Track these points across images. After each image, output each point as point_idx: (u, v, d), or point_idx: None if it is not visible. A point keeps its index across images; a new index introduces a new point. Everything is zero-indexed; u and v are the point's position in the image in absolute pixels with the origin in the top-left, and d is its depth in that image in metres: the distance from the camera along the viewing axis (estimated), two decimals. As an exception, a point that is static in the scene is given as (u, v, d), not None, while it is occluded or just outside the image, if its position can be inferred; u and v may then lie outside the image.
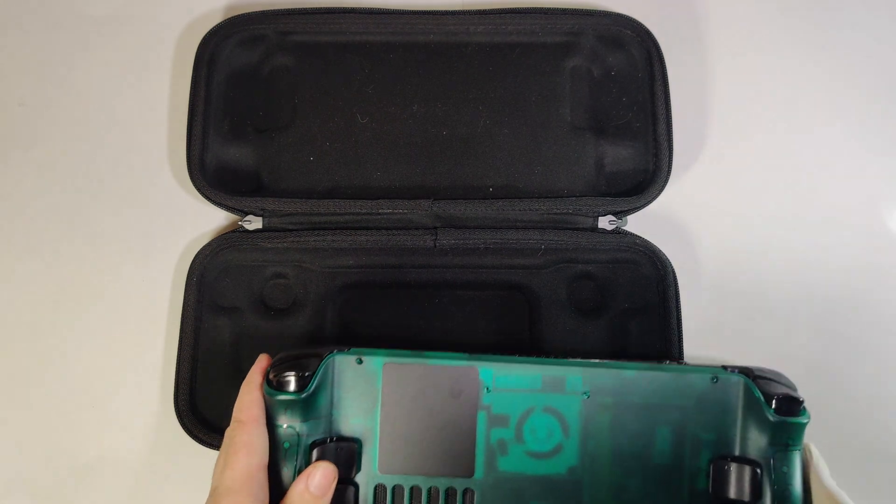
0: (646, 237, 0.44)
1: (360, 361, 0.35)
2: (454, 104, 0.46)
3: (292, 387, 0.34)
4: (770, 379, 0.35)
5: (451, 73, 0.46)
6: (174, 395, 0.42)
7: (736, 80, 0.49)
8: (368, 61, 0.46)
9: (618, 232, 0.44)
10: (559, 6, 0.47)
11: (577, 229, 0.44)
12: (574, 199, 0.43)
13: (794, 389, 0.35)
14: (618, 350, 0.43)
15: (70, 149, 0.47)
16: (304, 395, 0.34)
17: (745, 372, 0.35)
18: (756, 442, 0.35)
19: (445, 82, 0.46)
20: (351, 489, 0.35)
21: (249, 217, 0.44)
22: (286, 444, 0.34)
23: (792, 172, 0.47)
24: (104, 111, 0.48)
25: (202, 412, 0.42)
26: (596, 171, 0.45)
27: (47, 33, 0.49)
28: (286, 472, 0.34)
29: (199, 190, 0.43)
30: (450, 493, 0.35)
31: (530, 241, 0.44)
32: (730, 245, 0.46)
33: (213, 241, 0.44)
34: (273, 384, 0.34)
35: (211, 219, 0.46)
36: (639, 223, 0.44)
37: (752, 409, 0.35)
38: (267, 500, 0.32)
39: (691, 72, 0.48)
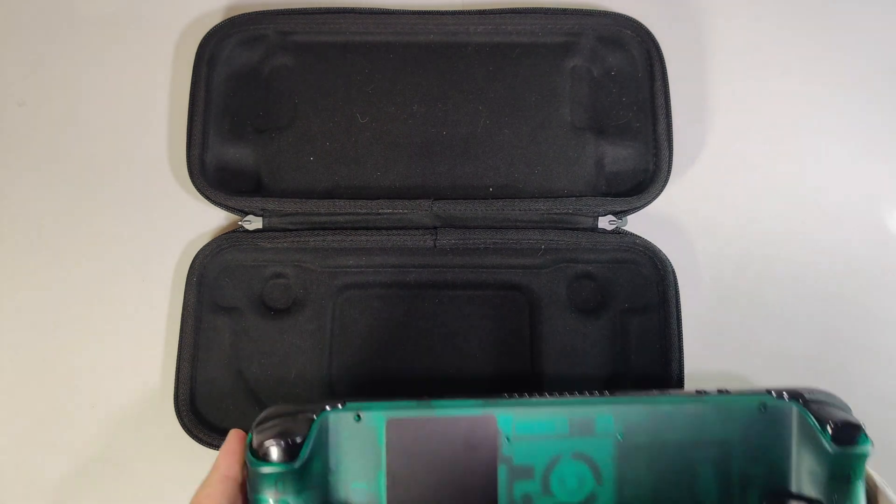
0: (646, 237, 0.44)
1: (359, 418, 0.31)
2: (454, 104, 0.46)
3: (281, 456, 0.29)
4: (823, 402, 0.32)
5: (451, 73, 0.46)
6: (174, 395, 0.42)
7: (736, 79, 0.49)
8: (368, 61, 0.46)
9: (618, 232, 0.44)
10: (559, 6, 0.47)
11: (577, 229, 0.44)
12: (574, 199, 0.43)
13: (849, 411, 0.32)
14: (619, 351, 0.43)
15: (70, 149, 0.47)
16: (296, 465, 0.29)
17: (796, 396, 0.32)
18: (813, 476, 0.31)
19: (445, 82, 0.46)
20: None
21: (249, 217, 0.44)
22: None
23: (792, 172, 0.47)
24: (104, 111, 0.48)
25: (202, 412, 0.42)
26: (596, 170, 0.45)
27: (47, 33, 0.49)
28: None
29: (199, 190, 0.43)
30: None
31: (530, 241, 0.44)
32: (730, 245, 0.46)
33: (213, 241, 0.44)
34: (258, 454, 0.29)
35: (211, 219, 0.46)
36: (639, 223, 0.44)
37: (807, 438, 0.31)
38: None
39: (691, 71, 0.48)
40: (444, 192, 0.44)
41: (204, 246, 0.44)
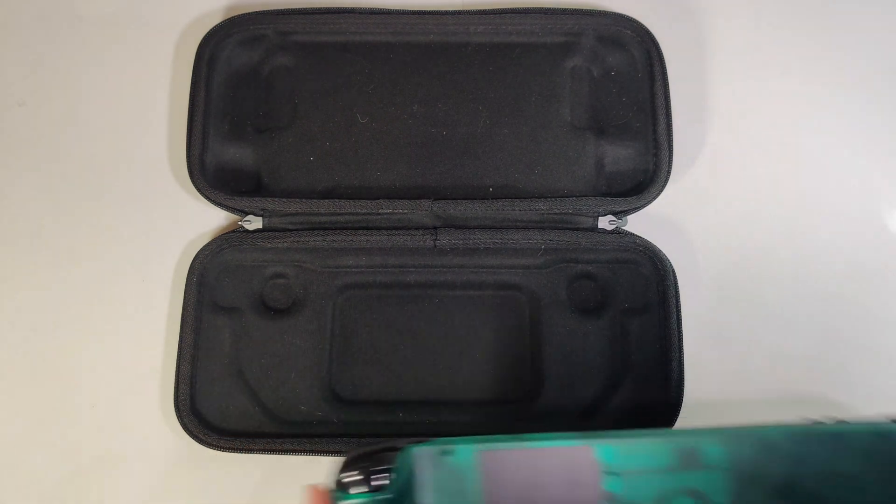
0: (646, 237, 0.44)
1: (447, 453, 0.28)
2: (454, 104, 0.46)
3: (369, 485, 0.27)
4: None
5: (451, 72, 0.46)
6: (174, 395, 0.42)
7: (736, 79, 0.49)
8: (369, 61, 0.46)
9: (618, 232, 0.44)
10: (559, 6, 0.47)
11: (578, 229, 0.44)
12: (574, 199, 0.43)
13: None
14: (619, 351, 0.43)
15: (70, 149, 0.47)
16: (386, 495, 0.27)
17: None
18: None
19: (445, 82, 0.46)
20: None
21: (249, 217, 0.44)
22: None
23: (792, 172, 0.47)
24: (104, 111, 0.48)
25: (202, 412, 0.42)
26: (596, 171, 0.45)
27: (47, 33, 0.49)
28: None
29: (199, 190, 0.43)
30: None
31: (530, 241, 0.44)
32: (730, 245, 0.46)
33: (213, 241, 0.44)
34: (344, 486, 0.28)
35: (211, 219, 0.46)
36: (639, 223, 0.44)
37: None
38: None
39: (691, 71, 0.48)
40: (444, 192, 0.44)
41: (204, 246, 0.44)
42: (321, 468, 0.43)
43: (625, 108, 0.46)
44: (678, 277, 0.43)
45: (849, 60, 0.49)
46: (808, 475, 0.28)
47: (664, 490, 0.28)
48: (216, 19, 0.47)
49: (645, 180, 0.44)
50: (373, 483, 0.27)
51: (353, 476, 0.28)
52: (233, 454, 0.41)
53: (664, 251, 0.44)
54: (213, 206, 0.44)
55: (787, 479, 0.28)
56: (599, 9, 0.47)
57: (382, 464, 0.28)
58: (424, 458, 0.27)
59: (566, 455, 0.28)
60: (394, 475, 0.28)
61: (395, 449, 0.28)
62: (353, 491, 0.27)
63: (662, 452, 0.28)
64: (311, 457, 0.42)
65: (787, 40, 0.49)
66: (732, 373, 0.45)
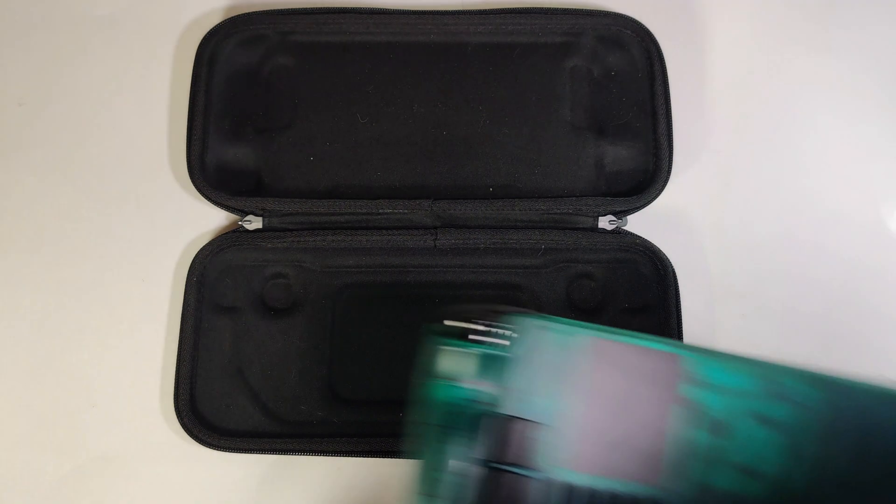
0: (646, 237, 0.44)
1: (560, 332, 0.29)
2: (454, 104, 0.46)
3: (479, 336, 0.28)
4: None
5: (451, 73, 0.46)
6: (174, 395, 0.42)
7: (736, 79, 0.49)
8: (369, 61, 0.46)
9: (617, 232, 0.44)
10: (559, 6, 0.47)
11: (577, 229, 0.44)
12: (574, 199, 0.43)
13: None
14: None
15: (70, 149, 0.47)
16: (493, 351, 0.28)
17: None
18: None
19: (446, 82, 0.46)
20: (525, 481, 0.28)
21: (249, 217, 0.44)
22: (457, 404, 0.27)
23: (793, 172, 0.47)
24: (104, 111, 0.48)
25: (202, 412, 0.42)
26: (596, 171, 0.45)
27: (47, 33, 0.49)
28: (442, 445, 0.27)
29: (199, 190, 0.43)
30: None
31: (530, 241, 0.44)
32: (730, 245, 0.46)
33: (213, 241, 0.44)
34: (454, 334, 0.28)
35: (211, 219, 0.46)
36: (639, 223, 0.44)
37: None
38: None
39: (692, 71, 0.48)
40: (444, 193, 0.44)
41: (204, 246, 0.44)
42: (321, 468, 0.43)
43: (625, 108, 0.46)
44: (678, 277, 0.43)
45: (850, 60, 0.49)
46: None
47: (743, 409, 0.28)
48: (216, 19, 0.47)
49: (645, 180, 0.44)
50: (493, 339, 0.27)
51: (469, 323, 0.27)
52: (233, 454, 0.42)
53: (664, 251, 0.44)
54: (213, 206, 0.44)
55: (879, 433, 0.27)
56: (599, 9, 0.47)
57: (499, 320, 0.28)
58: (537, 330, 0.28)
59: (656, 357, 0.29)
60: (516, 336, 0.28)
61: (512, 313, 0.28)
62: (461, 339, 0.27)
63: (750, 378, 0.28)
64: (311, 457, 0.42)
65: (788, 39, 0.49)
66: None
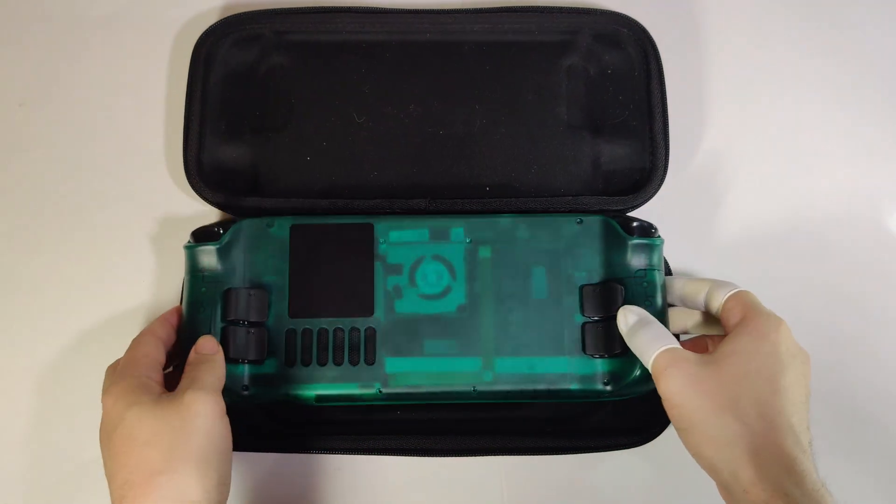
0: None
1: (271, 225, 0.41)
2: (451, 103, 0.46)
3: (209, 238, 0.40)
4: (628, 216, 0.41)
5: (447, 71, 0.46)
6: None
7: (732, 78, 0.48)
8: (365, 60, 0.46)
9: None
10: (556, 5, 0.46)
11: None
12: (570, 198, 0.43)
13: (653, 225, 0.41)
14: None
15: (69, 149, 0.47)
16: (218, 245, 0.40)
17: (604, 212, 0.42)
18: (620, 267, 0.40)
19: (442, 81, 0.46)
20: (264, 331, 0.40)
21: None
22: (203, 289, 0.40)
23: (789, 170, 0.47)
24: (102, 113, 0.48)
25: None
26: (592, 169, 0.45)
27: (47, 35, 0.49)
28: (202, 315, 0.39)
29: (196, 191, 0.43)
30: (353, 332, 0.40)
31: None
32: (726, 243, 0.46)
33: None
34: (193, 239, 0.40)
35: (209, 219, 0.46)
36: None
37: (614, 240, 0.40)
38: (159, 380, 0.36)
39: (688, 70, 0.48)
40: (440, 192, 0.44)
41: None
42: (321, 465, 0.43)
43: (621, 106, 0.46)
44: (674, 274, 0.43)
45: (847, 59, 0.49)
46: (523, 249, 0.41)
47: (419, 255, 0.41)
48: (213, 19, 0.47)
49: (641, 179, 0.44)
50: (212, 236, 0.40)
51: (199, 231, 0.40)
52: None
53: (661, 250, 0.43)
54: (210, 206, 0.44)
55: (507, 251, 0.41)
56: (596, 7, 0.46)
57: (223, 227, 0.40)
58: (255, 227, 0.41)
59: (355, 228, 0.41)
60: (229, 232, 0.40)
61: (234, 220, 0.41)
62: (199, 241, 0.40)
63: (422, 231, 0.41)
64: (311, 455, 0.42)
65: (785, 38, 0.49)
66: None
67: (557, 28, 0.46)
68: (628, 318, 0.38)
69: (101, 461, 0.34)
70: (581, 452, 0.41)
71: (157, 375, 0.36)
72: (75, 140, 0.47)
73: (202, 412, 0.34)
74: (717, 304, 0.37)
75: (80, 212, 0.46)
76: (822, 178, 0.47)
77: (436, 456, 0.41)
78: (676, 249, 0.44)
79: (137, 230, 0.46)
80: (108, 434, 0.33)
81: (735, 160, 0.47)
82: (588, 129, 0.45)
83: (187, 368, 0.36)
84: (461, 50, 0.46)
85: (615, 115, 0.45)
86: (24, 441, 0.44)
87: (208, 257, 0.40)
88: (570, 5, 0.47)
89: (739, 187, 0.47)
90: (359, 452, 0.41)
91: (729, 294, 0.37)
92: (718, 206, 0.47)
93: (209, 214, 0.46)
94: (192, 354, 0.37)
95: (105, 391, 0.35)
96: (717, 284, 0.37)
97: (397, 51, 0.46)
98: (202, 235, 0.40)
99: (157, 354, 0.37)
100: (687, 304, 0.39)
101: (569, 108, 0.46)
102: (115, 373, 0.36)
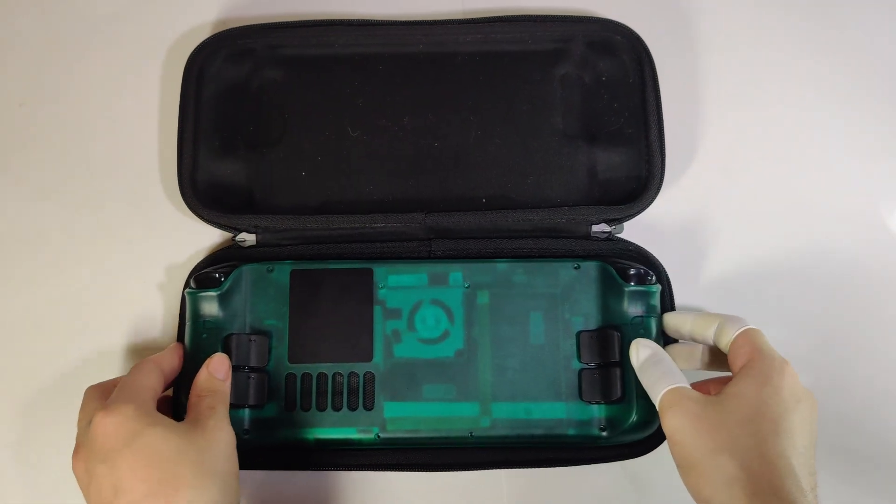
0: (641, 244, 0.44)
1: (271, 270, 0.41)
2: (445, 115, 0.45)
3: (210, 284, 0.40)
4: (626, 262, 0.42)
5: (441, 83, 0.46)
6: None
7: (728, 83, 0.48)
8: (358, 73, 0.46)
9: (610, 239, 0.44)
10: (549, 13, 0.46)
11: (571, 237, 0.44)
12: (567, 208, 0.43)
13: (650, 272, 0.41)
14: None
15: (69, 150, 0.47)
16: (219, 292, 0.40)
17: (601, 257, 0.42)
18: (616, 313, 0.40)
19: (436, 93, 0.46)
20: (264, 376, 0.40)
21: (243, 234, 0.44)
22: (204, 335, 0.40)
23: (787, 174, 0.47)
24: (101, 119, 0.47)
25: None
26: (589, 178, 0.45)
27: (45, 37, 0.49)
28: (203, 360, 0.38)
29: (191, 209, 0.43)
30: (352, 376, 0.40)
31: (524, 250, 0.43)
32: (725, 249, 0.46)
33: (206, 258, 0.44)
34: (194, 286, 0.41)
35: (204, 236, 0.46)
36: (631, 229, 0.44)
37: (610, 286, 0.41)
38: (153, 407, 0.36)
39: (683, 77, 0.48)
40: (436, 205, 0.44)
41: (198, 263, 0.43)
42: (319, 482, 0.43)
43: (616, 114, 0.45)
44: (673, 282, 0.43)
45: (844, 63, 0.49)
46: (520, 293, 0.41)
47: (418, 299, 0.41)
48: (204, 34, 0.47)
49: (638, 187, 0.44)
50: (212, 283, 0.40)
51: (202, 277, 0.41)
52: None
53: (659, 257, 0.44)
54: (205, 224, 0.44)
55: (504, 296, 0.41)
56: (589, 15, 0.46)
57: (223, 273, 0.41)
58: (255, 273, 0.41)
59: (353, 273, 0.41)
60: (230, 279, 0.40)
61: (235, 266, 0.41)
62: (199, 288, 0.40)
63: (420, 276, 0.42)
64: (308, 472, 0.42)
65: (780, 43, 0.49)
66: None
67: (550, 37, 0.46)
68: (640, 353, 0.38)
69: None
70: (581, 464, 0.41)
71: (155, 405, 0.36)
72: (75, 141, 0.47)
73: (223, 439, 0.35)
74: (725, 340, 0.37)
75: (75, 234, 0.46)
76: (820, 181, 0.47)
77: (436, 471, 0.41)
78: (673, 256, 0.44)
79: (132, 248, 0.46)
80: (112, 450, 0.33)
81: (732, 166, 0.47)
82: (583, 138, 0.45)
83: (201, 394, 0.37)
84: (454, 61, 0.46)
85: (610, 122, 0.45)
86: (23, 441, 0.43)
87: (209, 304, 0.40)
88: (562, 14, 0.46)
89: (736, 192, 0.47)
90: (360, 469, 0.41)
91: (738, 332, 0.37)
92: (715, 211, 0.47)
93: (205, 232, 0.46)
94: (203, 373, 0.38)
95: (105, 410, 0.34)
96: (727, 320, 0.38)
97: (390, 63, 0.46)
98: (203, 281, 0.40)
99: (158, 387, 0.37)
100: (696, 338, 0.39)
101: (564, 116, 0.46)
102: (119, 393, 0.36)
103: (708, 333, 0.38)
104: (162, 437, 0.34)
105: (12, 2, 0.49)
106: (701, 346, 0.40)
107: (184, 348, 0.40)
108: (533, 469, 0.42)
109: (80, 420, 0.37)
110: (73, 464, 0.35)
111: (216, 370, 0.38)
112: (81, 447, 0.35)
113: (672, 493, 0.42)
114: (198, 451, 0.34)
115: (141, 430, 0.33)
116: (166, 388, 0.39)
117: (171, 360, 0.39)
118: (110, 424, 0.34)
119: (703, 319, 0.39)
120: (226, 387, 0.38)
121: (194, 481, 0.33)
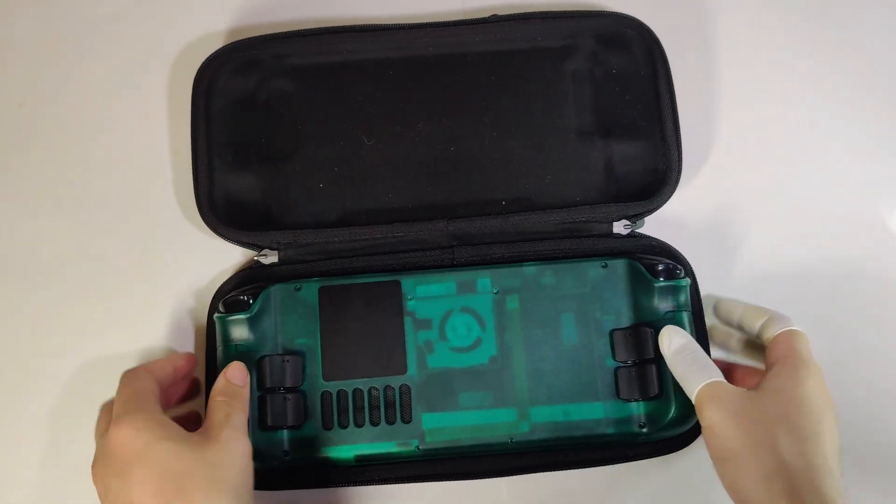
0: (662, 238, 0.44)
1: (299, 289, 0.41)
2: (458, 118, 0.45)
3: (239, 308, 0.40)
4: (653, 257, 0.42)
5: (452, 85, 0.45)
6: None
7: (739, 78, 0.48)
8: (368, 80, 0.45)
9: (633, 235, 0.44)
10: (557, 9, 0.46)
11: (593, 236, 0.44)
12: (588, 207, 0.43)
13: (679, 266, 0.41)
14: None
15: (77, 191, 0.46)
16: (249, 315, 0.40)
17: (627, 254, 0.42)
18: (648, 310, 0.40)
19: (448, 95, 0.45)
20: (300, 396, 0.40)
21: (265, 251, 0.44)
22: (237, 359, 0.39)
23: (788, 174, 0.47)
24: (109, 156, 0.47)
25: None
26: (606, 174, 0.45)
27: (45, 37, 0.48)
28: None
29: (210, 228, 0.43)
30: (388, 390, 0.40)
31: (547, 252, 0.44)
32: (740, 244, 0.46)
33: (230, 278, 0.43)
34: (222, 310, 0.40)
35: (225, 255, 0.45)
36: (652, 225, 0.44)
37: (640, 283, 0.41)
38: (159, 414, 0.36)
39: (693, 68, 0.48)
40: (457, 210, 0.44)
41: (223, 284, 0.43)
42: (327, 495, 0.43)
43: (629, 106, 0.45)
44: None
45: (852, 59, 0.49)
46: (549, 296, 0.41)
47: (447, 308, 0.41)
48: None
49: (656, 180, 0.44)
50: (241, 306, 0.40)
51: (231, 301, 0.40)
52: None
53: (680, 251, 0.44)
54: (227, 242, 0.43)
55: (534, 299, 0.41)
56: (597, 9, 0.46)
57: (251, 295, 0.40)
58: (283, 292, 0.41)
59: (381, 287, 0.41)
60: (258, 300, 0.40)
61: (262, 287, 0.41)
62: (229, 312, 0.40)
63: (448, 285, 0.41)
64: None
65: (790, 36, 0.49)
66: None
67: (560, 33, 0.45)
68: (673, 341, 0.38)
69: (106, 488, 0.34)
70: (623, 462, 0.41)
71: (161, 409, 0.37)
72: (82, 188, 0.46)
73: (238, 451, 0.35)
74: (769, 334, 0.39)
75: (94, 256, 0.45)
76: (831, 176, 0.47)
77: (477, 479, 0.41)
78: (691, 251, 0.44)
79: (155, 271, 0.45)
80: (126, 464, 0.34)
81: (746, 160, 0.47)
82: (598, 133, 0.45)
83: (218, 399, 0.37)
84: (465, 62, 0.46)
85: (624, 115, 0.45)
86: (23, 441, 0.43)
87: (239, 328, 0.40)
88: (570, 9, 0.46)
89: (750, 187, 0.47)
90: (400, 482, 0.41)
91: (783, 329, 0.38)
92: (731, 206, 0.47)
93: (227, 250, 0.45)
94: (220, 381, 0.37)
95: (116, 422, 0.35)
96: (776, 316, 0.39)
97: (400, 67, 0.45)
98: (232, 305, 0.40)
99: (155, 389, 0.37)
100: (743, 326, 0.41)
101: (577, 113, 0.45)
102: (124, 405, 0.36)
103: (755, 325, 0.40)
104: (173, 451, 0.34)
105: (12, 2, 0.49)
106: (738, 333, 0.42)
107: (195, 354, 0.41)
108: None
109: (96, 433, 0.37)
110: (92, 476, 0.36)
111: (233, 377, 0.38)
112: (98, 460, 0.35)
113: (692, 491, 0.43)
114: (210, 466, 0.34)
115: (152, 443, 0.34)
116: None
117: (162, 367, 0.39)
118: (123, 437, 0.34)
119: (754, 311, 0.40)
120: (244, 393, 0.38)
121: (206, 497, 0.33)
